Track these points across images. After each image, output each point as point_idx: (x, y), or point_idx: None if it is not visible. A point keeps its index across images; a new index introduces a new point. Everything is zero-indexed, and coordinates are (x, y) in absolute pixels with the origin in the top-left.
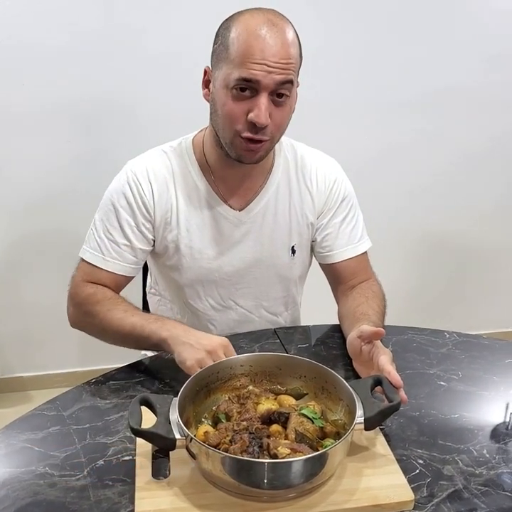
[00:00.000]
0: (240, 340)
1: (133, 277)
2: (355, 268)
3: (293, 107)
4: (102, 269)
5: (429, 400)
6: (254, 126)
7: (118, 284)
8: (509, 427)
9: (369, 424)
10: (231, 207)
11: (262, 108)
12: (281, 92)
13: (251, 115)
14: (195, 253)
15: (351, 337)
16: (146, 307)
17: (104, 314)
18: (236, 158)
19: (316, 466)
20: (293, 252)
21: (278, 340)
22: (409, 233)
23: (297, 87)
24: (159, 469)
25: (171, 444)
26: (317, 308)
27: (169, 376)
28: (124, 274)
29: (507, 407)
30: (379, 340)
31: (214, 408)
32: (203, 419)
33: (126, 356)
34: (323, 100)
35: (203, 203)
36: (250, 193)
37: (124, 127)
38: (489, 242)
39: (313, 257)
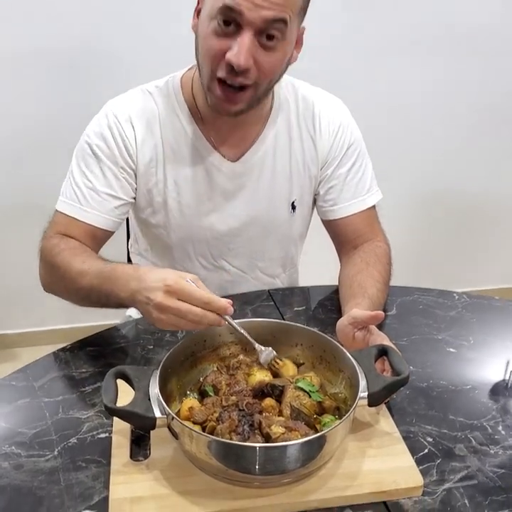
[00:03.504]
0: None
1: (113, 233)
2: (360, 224)
3: (289, 53)
4: (79, 220)
5: (437, 369)
6: (232, 69)
7: (96, 239)
8: None
9: (373, 400)
10: (224, 157)
11: (242, 47)
12: (271, 33)
13: (228, 54)
14: (185, 209)
15: (341, 324)
16: None
17: (65, 266)
18: (212, 106)
19: (313, 449)
20: (293, 208)
21: (272, 303)
22: (411, 188)
23: (302, 32)
24: (138, 449)
25: (150, 424)
26: (317, 266)
27: (153, 342)
28: (104, 228)
29: None
30: (374, 326)
31: (200, 379)
32: (187, 392)
33: (114, 313)
34: (332, 42)
35: (193, 152)
36: (246, 142)
37: (106, 70)
38: (494, 198)
39: (315, 212)
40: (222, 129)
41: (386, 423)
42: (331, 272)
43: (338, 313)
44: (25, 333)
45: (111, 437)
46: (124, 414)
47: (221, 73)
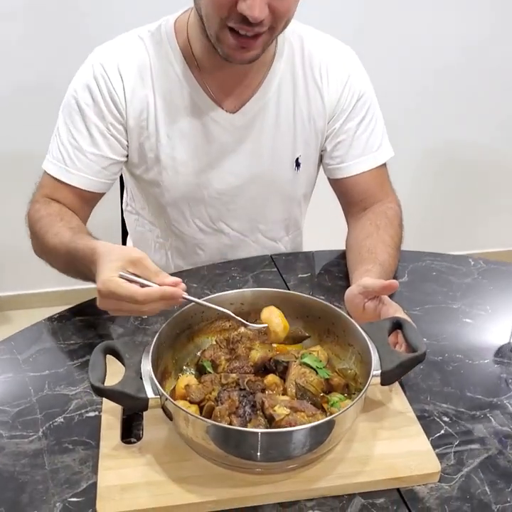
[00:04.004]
0: (231, 269)
1: (103, 194)
2: (370, 184)
3: None
4: (65, 183)
5: (453, 342)
6: (244, 18)
7: (85, 201)
8: None
9: (387, 379)
10: (223, 108)
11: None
12: None
13: (241, 6)
14: (179, 165)
15: (350, 293)
16: (123, 227)
17: (42, 236)
18: (224, 56)
19: (321, 434)
20: (297, 165)
21: (275, 269)
22: (419, 144)
23: None
24: (130, 429)
25: (142, 405)
26: (322, 229)
27: None
28: (92, 190)
29: None
30: (387, 295)
31: (198, 354)
32: (184, 368)
33: None
34: None
35: (188, 103)
36: (247, 91)
37: (104, 11)
38: (507, 155)
39: (321, 170)
40: (221, 78)
41: (399, 401)
42: (337, 235)
43: (346, 280)
44: (18, 295)
45: (101, 416)
46: (112, 395)
47: (233, 23)
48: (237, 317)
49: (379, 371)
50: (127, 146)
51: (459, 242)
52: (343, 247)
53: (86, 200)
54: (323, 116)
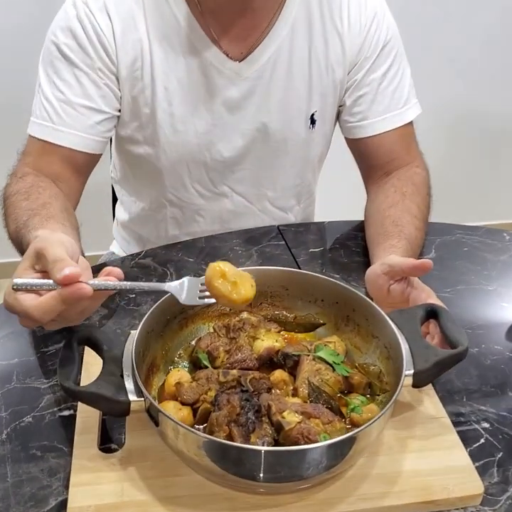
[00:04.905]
0: (232, 241)
1: (99, 156)
2: (395, 145)
3: None
4: (52, 143)
5: (489, 330)
6: None
7: (77, 167)
8: None
9: (420, 380)
10: (227, 55)
11: None
12: None
13: None
14: (178, 123)
15: (373, 273)
16: (114, 193)
17: (6, 219)
18: None
19: (340, 450)
20: (313, 122)
21: (283, 242)
22: (444, 107)
23: None
24: (110, 434)
25: (122, 409)
26: (336, 196)
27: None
28: (84, 150)
29: None
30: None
31: (192, 343)
32: (176, 359)
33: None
34: None
35: (187, 48)
36: (254, 35)
37: None
38: None
39: (336, 128)
40: (225, 17)
41: (431, 403)
42: (353, 203)
43: (365, 256)
44: (8, 263)
45: (75, 415)
46: (86, 397)
47: None
48: (175, 295)
49: (411, 371)
50: (121, 98)
51: (479, 210)
52: (361, 218)
53: (77, 167)
54: (342, 64)
